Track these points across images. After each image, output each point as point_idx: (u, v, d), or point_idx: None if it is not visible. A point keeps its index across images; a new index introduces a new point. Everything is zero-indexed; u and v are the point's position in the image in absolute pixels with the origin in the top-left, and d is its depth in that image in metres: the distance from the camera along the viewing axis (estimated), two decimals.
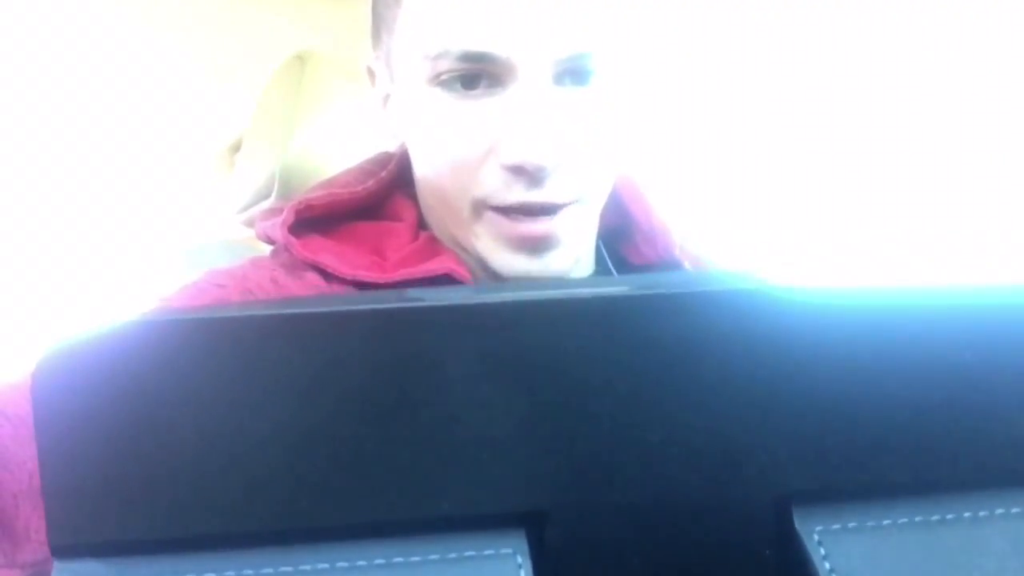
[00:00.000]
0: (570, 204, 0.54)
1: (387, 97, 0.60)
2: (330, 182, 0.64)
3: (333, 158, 0.90)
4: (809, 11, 0.98)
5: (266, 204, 0.98)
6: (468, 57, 0.50)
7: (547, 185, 0.52)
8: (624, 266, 0.66)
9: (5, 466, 0.42)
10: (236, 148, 1.31)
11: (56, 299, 1.49)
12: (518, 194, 0.52)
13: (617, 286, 0.22)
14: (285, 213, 0.58)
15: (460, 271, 0.56)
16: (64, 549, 0.20)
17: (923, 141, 1.16)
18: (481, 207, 0.54)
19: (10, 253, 1.47)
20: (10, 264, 1.48)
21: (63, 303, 1.48)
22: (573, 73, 0.52)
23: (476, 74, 0.51)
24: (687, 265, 0.66)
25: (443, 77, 0.52)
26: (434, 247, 0.59)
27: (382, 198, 0.63)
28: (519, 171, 0.51)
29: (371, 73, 0.62)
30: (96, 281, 1.53)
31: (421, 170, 0.58)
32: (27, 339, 1.43)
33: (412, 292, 0.22)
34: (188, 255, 1.23)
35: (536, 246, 0.54)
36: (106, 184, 1.47)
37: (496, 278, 0.57)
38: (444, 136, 0.53)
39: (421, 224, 0.61)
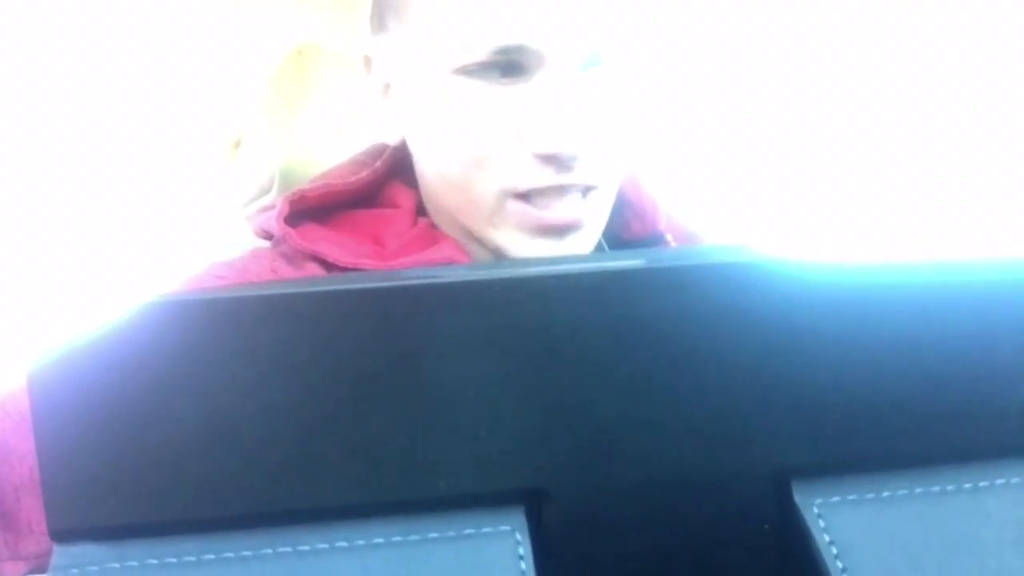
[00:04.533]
0: (596, 187, 0.54)
1: (387, 87, 0.60)
2: (324, 175, 0.64)
3: (334, 152, 0.90)
4: None
5: (268, 198, 0.98)
6: (503, 50, 0.51)
7: (576, 169, 0.52)
8: (616, 243, 0.66)
9: (6, 460, 0.42)
10: (238, 143, 1.31)
11: (57, 302, 1.49)
12: (548, 178, 0.52)
13: (612, 261, 0.21)
14: (279, 205, 0.58)
15: (462, 259, 0.56)
16: (63, 533, 0.20)
17: (914, 110, 1.15)
18: (505, 196, 0.54)
19: (10, 253, 1.47)
20: (12, 264, 1.48)
21: (65, 306, 1.48)
22: (597, 59, 0.53)
23: (505, 64, 0.52)
24: (669, 239, 0.66)
25: (471, 67, 0.52)
26: (433, 233, 0.58)
27: (377, 187, 0.63)
28: (551, 160, 0.52)
29: (367, 61, 0.60)
30: (101, 281, 1.53)
31: (433, 162, 0.57)
32: (29, 340, 1.43)
33: (408, 271, 0.22)
34: (201, 252, 1.24)
35: (560, 231, 0.54)
36: (108, 182, 1.47)
37: None
38: (469, 124, 0.53)
39: (419, 211, 0.61)
